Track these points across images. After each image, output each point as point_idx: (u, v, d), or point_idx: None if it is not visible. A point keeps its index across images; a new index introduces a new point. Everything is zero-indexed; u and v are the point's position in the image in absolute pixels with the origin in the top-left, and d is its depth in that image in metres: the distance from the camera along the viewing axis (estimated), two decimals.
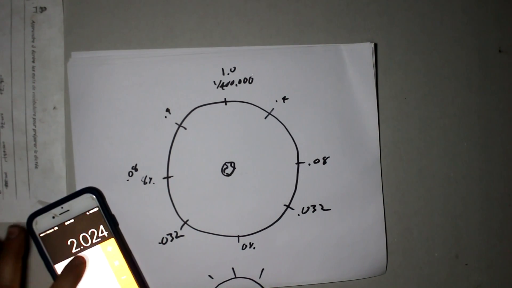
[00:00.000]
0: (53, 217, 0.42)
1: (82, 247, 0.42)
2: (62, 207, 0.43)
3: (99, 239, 0.43)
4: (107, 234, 0.43)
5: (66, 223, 0.42)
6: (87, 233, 0.43)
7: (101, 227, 0.43)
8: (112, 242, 0.43)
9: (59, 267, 0.42)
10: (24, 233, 0.42)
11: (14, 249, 0.40)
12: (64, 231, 0.42)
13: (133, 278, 0.43)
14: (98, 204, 0.43)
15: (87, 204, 0.43)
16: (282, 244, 0.47)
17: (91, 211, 0.43)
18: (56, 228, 0.42)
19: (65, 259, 0.42)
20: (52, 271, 0.42)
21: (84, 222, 0.43)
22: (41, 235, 0.42)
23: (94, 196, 0.43)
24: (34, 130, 0.45)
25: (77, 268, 0.41)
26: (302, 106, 0.47)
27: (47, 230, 0.42)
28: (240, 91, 0.46)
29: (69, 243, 0.42)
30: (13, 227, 0.42)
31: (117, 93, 0.45)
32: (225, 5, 0.47)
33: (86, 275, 0.42)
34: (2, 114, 0.45)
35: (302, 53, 0.47)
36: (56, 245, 0.42)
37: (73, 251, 0.42)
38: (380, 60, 0.49)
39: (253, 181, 0.47)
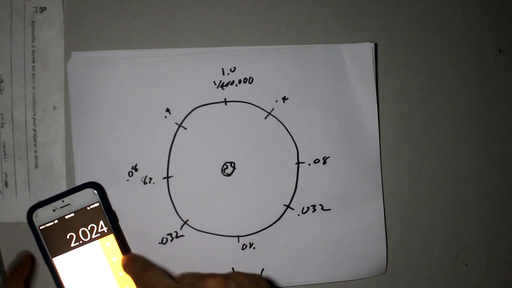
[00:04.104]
0: (54, 210, 0.42)
1: (81, 242, 0.42)
2: (63, 201, 0.42)
3: (99, 234, 0.43)
4: (107, 230, 0.43)
5: (67, 217, 0.42)
6: (87, 228, 0.42)
7: (101, 222, 0.43)
8: (111, 238, 0.43)
9: (58, 261, 0.42)
10: (30, 259, 0.43)
11: (19, 271, 0.42)
12: (64, 225, 0.42)
13: None
14: (99, 199, 0.43)
15: (89, 198, 0.43)
16: (282, 244, 0.47)
17: (92, 206, 0.43)
18: (56, 221, 0.42)
19: (64, 253, 0.42)
20: (50, 265, 0.42)
21: (84, 216, 0.43)
22: (40, 227, 0.42)
23: (96, 191, 0.43)
24: (34, 130, 0.45)
25: (19, 265, 0.42)
26: (302, 106, 0.47)
27: (47, 223, 0.42)
28: (240, 91, 0.46)
29: (68, 237, 0.42)
30: (23, 251, 0.44)
31: (117, 93, 0.45)
32: (225, 5, 0.47)
33: (83, 270, 0.42)
34: (2, 114, 0.45)
35: (302, 53, 0.47)
36: (55, 238, 0.42)
37: (72, 245, 0.42)
38: (380, 60, 0.49)
39: (253, 181, 0.47)
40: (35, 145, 0.45)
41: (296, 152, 0.47)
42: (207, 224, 0.46)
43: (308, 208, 0.48)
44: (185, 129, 0.46)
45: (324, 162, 0.47)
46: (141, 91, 0.45)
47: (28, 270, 0.43)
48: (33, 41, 0.45)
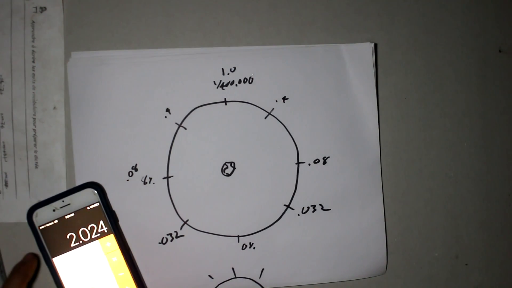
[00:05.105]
0: (54, 210, 0.42)
1: (81, 242, 0.42)
2: (63, 201, 0.43)
3: (99, 234, 0.43)
4: (107, 230, 0.43)
5: (67, 217, 0.42)
6: (87, 228, 0.43)
7: (101, 222, 0.43)
8: (111, 238, 0.43)
9: (58, 261, 0.42)
10: (36, 261, 0.44)
11: (22, 272, 0.42)
12: (64, 225, 0.42)
13: (130, 275, 0.43)
14: (99, 199, 0.43)
15: (89, 198, 0.43)
16: (282, 244, 0.47)
17: (92, 206, 0.43)
18: (56, 221, 0.42)
19: (64, 253, 0.42)
20: (50, 265, 0.42)
21: (84, 216, 0.43)
22: (40, 227, 0.42)
23: (96, 191, 0.43)
24: (34, 130, 0.45)
25: (24, 266, 0.43)
26: (302, 106, 0.47)
27: (47, 223, 0.42)
28: (240, 91, 0.46)
29: (68, 237, 0.42)
30: (29, 254, 0.44)
31: (117, 93, 0.45)
32: (225, 5, 0.47)
33: (83, 270, 0.42)
34: (2, 114, 0.45)
35: (302, 53, 0.47)
36: (55, 238, 0.42)
37: (72, 245, 0.42)
38: (380, 60, 0.49)
39: (253, 181, 0.47)
40: (35, 145, 0.45)
41: (296, 152, 0.47)
42: (207, 224, 0.46)
43: (308, 208, 0.48)
44: (185, 129, 0.46)
45: (324, 162, 0.48)
46: (141, 91, 0.45)
47: (32, 273, 0.43)
48: (33, 41, 0.45)
